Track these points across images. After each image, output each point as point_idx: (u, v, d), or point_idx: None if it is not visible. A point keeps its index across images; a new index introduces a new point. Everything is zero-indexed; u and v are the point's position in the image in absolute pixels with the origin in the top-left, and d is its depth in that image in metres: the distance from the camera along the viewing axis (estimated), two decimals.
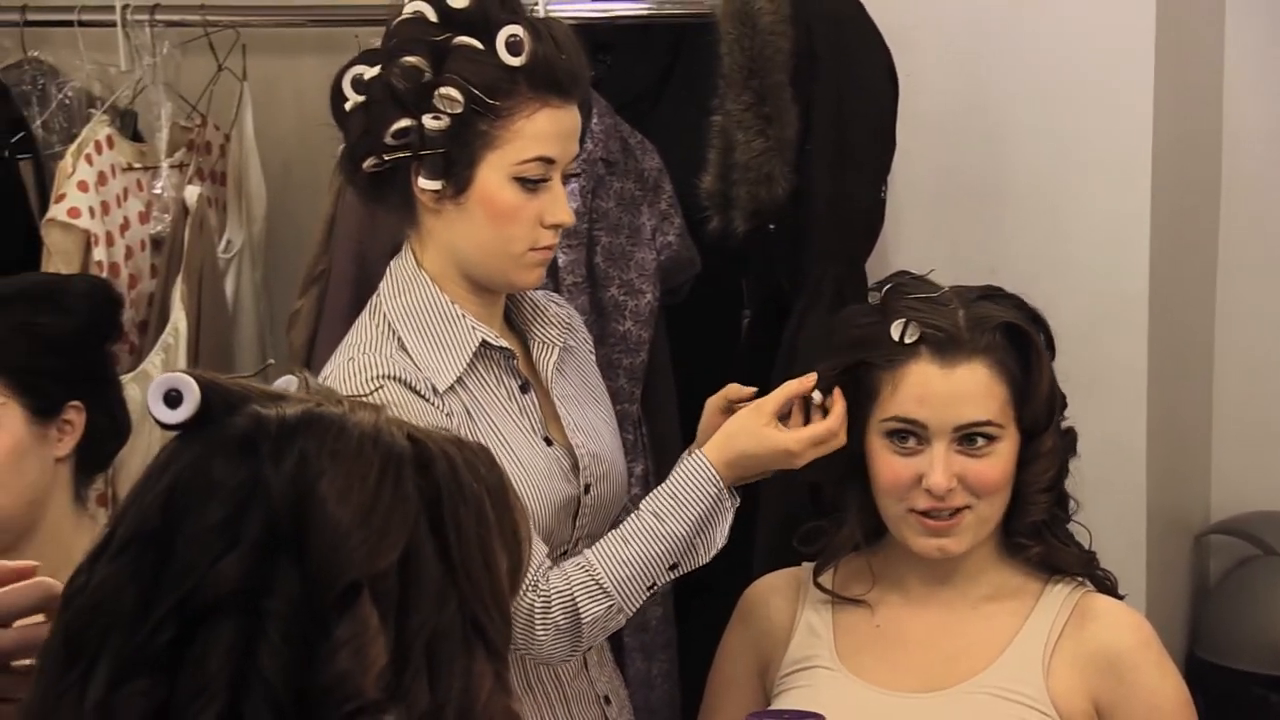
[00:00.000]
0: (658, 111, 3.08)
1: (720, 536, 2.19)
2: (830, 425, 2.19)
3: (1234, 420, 3.44)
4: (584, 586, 2.13)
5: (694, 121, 2.85)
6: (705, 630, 2.41)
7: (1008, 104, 3.13)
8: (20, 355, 2.33)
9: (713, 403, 2.30)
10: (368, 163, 2.18)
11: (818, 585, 2.30)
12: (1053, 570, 2.27)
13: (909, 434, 2.20)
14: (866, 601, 2.28)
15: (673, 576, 2.20)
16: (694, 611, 2.56)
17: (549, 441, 2.25)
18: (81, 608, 1.15)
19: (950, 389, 2.20)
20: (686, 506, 2.17)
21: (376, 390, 2.13)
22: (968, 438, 2.19)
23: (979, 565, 2.27)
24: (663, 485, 2.20)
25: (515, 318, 2.32)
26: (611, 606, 2.14)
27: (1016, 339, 2.24)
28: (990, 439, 2.20)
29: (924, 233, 3.16)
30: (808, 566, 2.34)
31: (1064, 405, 2.30)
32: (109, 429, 2.43)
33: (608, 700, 2.33)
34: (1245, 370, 3.42)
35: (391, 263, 2.30)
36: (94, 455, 2.42)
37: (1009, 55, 3.12)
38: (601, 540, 2.18)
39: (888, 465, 2.21)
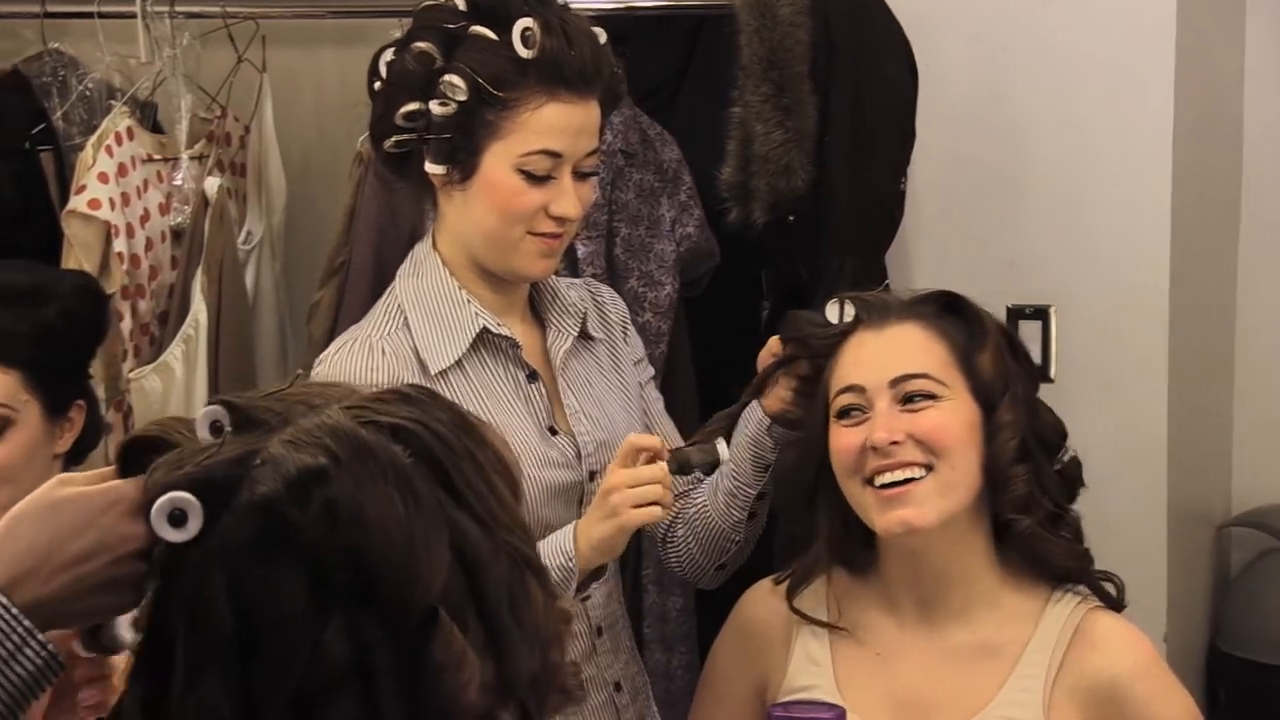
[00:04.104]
0: (677, 103, 3.08)
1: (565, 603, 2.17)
2: (640, 474, 2.12)
3: (1255, 412, 3.43)
4: None
5: (713, 113, 2.84)
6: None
7: (1027, 96, 3.12)
8: (38, 352, 2.37)
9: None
10: (386, 143, 2.25)
11: (795, 611, 2.23)
12: (1045, 569, 2.19)
13: (854, 408, 2.16)
14: (849, 630, 2.22)
15: None
16: (714, 603, 2.55)
17: (554, 431, 2.27)
18: None
19: (883, 346, 2.18)
20: None
21: (316, 370, 2.20)
22: (910, 397, 2.14)
23: (969, 575, 2.18)
24: None
25: (537, 305, 2.34)
26: None
27: (954, 308, 2.22)
28: (933, 396, 2.15)
29: (943, 225, 3.16)
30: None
31: (1036, 383, 2.24)
32: (93, 426, 2.47)
33: (618, 687, 2.33)
34: (1266, 362, 3.42)
35: (416, 245, 2.34)
36: (77, 451, 2.46)
37: (1029, 47, 3.12)
38: None
39: (838, 438, 2.17)
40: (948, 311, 2.22)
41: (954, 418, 2.15)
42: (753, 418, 2.32)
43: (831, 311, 2.23)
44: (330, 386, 1.28)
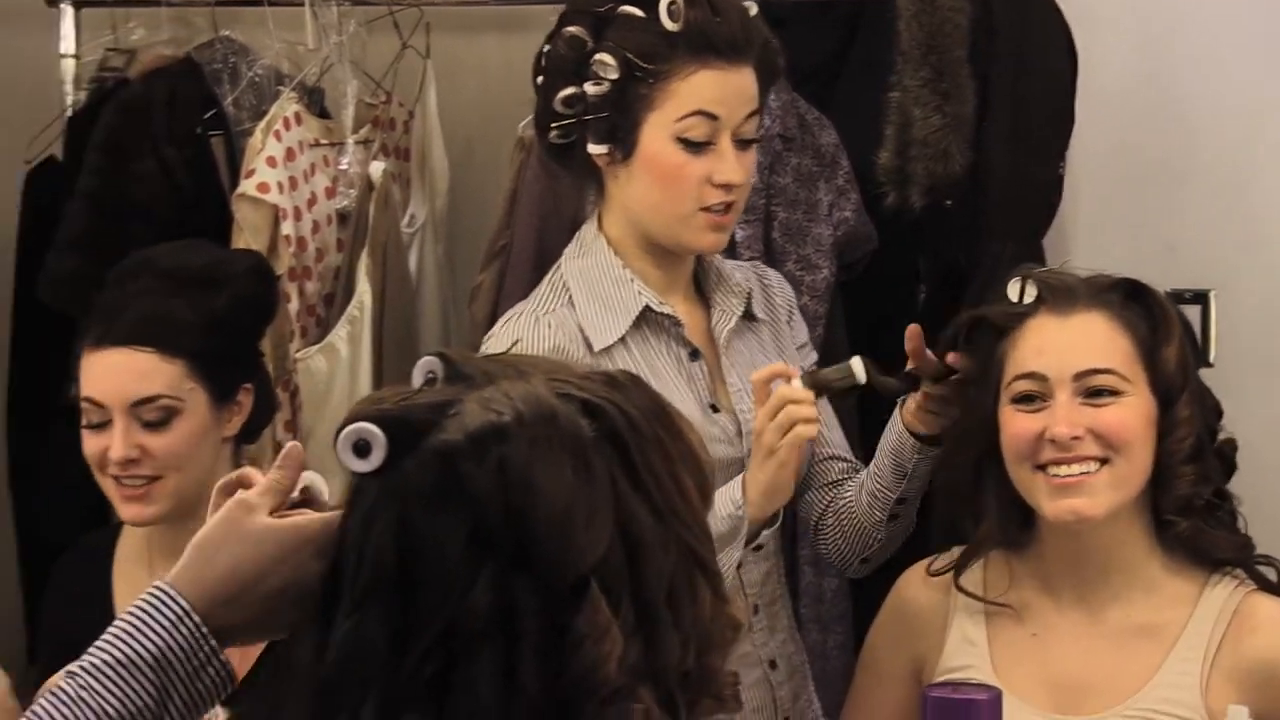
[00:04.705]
0: (835, 87, 3.08)
1: (733, 560, 2.17)
2: (774, 401, 2.13)
3: None
4: None
5: (871, 97, 2.85)
6: (882, 603, 2.42)
7: (1188, 79, 3.10)
8: (204, 340, 2.39)
9: None
10: (551, 133, 2.30)
11: (959, 588, 2.24)
12: (1205, 559, 2.18)
13: (1034, 395, 2.15)
14: (1012, 606, 2.22)
15: None
16: (870, 583, 2.57)
17: (715, 409, 2.30)
18: (335, 662, 1.21)
19: (1067, 336, 2.16)
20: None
21: (515, 345, 2.22)
22: (1093, 391, 2.13)
23: (1130, 560, 2.18)
24: None
25: (703, 285, 2.38)
26: None
27: (1139, 298, 2.20)
28: (1116, 392, 2.13)
29: (1101, 210, 3.14)
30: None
31: (1199, 368, 2.23)
32: (264, 405, 2.51)
33: (773, 665, 2.36)
34: None
35: (582, 227, 2.39)
36: (249, 430, 2.50)
37: (1190, 29, 3.09)
38: None
39: (1014, 423, 2.16)
40: (1132, 300, 2.19)
41: (1134, 413, 2.14)
42: (894, 427, 2.33)
43: (1013, 290, 2.20)
44: (545, 359, 1.32)
